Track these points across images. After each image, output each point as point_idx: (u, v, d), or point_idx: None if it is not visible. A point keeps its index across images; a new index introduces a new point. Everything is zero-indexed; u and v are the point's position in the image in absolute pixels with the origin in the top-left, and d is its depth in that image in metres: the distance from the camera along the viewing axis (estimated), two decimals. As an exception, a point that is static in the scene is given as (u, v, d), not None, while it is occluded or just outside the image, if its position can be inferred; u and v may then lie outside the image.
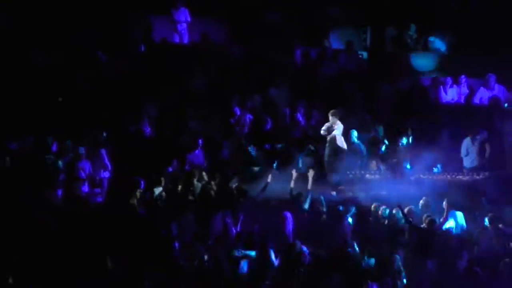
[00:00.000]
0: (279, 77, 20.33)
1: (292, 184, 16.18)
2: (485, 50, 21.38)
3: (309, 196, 16.00)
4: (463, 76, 21.03)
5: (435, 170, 17.99)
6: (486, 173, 17.81)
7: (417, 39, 22.87)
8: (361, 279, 13.68)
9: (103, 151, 17.16)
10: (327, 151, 17.46)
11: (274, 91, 20.08)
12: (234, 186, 16.50)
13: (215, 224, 14.96)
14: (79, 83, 19.35)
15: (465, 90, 21.06)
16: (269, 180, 16.19)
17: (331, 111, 17.68)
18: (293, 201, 15.93)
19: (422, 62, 22.34)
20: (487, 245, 15.13)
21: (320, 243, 14.77)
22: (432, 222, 15.10)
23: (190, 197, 15.98)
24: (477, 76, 21.28)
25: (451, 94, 21.02)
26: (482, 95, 20.60)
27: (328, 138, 17.44)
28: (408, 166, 18.06)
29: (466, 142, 18.57)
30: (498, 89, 20.70)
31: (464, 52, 21.86)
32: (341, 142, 17.46)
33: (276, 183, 16.30)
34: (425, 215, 15.32)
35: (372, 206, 16.03)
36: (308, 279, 13.71)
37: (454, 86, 21.06)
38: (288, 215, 15.19)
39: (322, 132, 17.48)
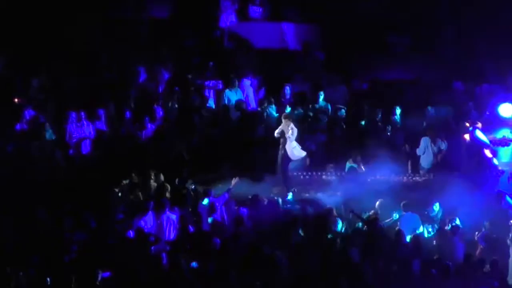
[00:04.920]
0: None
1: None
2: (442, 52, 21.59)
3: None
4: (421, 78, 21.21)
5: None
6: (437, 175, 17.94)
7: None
8: None
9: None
10: (280, 153, 17.32)
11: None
12: (191, 188, 16.46)
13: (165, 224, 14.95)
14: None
15: (424, 91, 21.16)
16: (232, 184, 16.19)
17: (284, 114, 17.61)
18: (251, 203, 16.00)
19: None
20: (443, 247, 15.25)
21: (278, 243, 14.73)
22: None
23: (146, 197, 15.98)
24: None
25: (410, 95, 21.14)
26: (441, 98, 20.69)
27: (281, 141, 17.30)
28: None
29: (425, 141, 18.41)
30: (456, 92, 20.84)
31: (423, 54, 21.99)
32: (295, 147, 17.30)
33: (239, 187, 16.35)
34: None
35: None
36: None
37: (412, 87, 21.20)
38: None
39: (275, 135, 17.29)
